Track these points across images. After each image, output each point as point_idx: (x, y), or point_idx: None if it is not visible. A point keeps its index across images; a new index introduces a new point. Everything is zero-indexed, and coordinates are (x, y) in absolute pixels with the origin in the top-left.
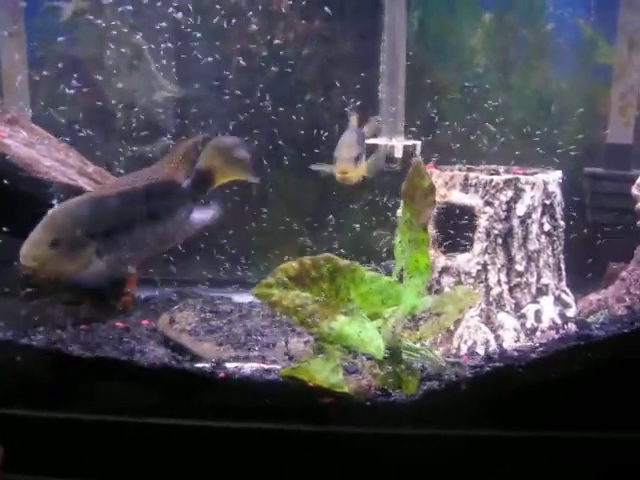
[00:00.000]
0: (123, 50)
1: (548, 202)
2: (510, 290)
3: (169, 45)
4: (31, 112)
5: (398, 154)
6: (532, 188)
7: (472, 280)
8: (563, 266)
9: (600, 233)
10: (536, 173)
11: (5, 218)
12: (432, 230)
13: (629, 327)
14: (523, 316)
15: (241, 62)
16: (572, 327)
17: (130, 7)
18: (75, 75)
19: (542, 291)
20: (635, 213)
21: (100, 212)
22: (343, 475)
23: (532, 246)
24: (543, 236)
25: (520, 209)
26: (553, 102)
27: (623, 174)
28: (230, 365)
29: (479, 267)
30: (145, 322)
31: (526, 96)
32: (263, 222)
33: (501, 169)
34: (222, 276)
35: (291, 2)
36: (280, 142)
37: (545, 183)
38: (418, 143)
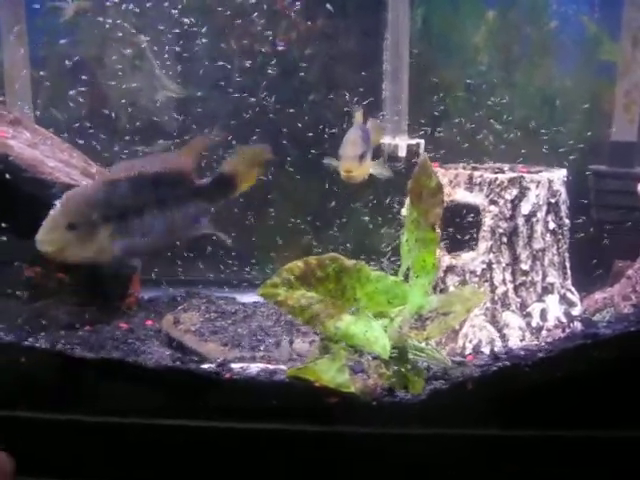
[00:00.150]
0: (125, 50)
1: (553, 200)
2: (515, 289)
3: (171, 45)
4: (36, 113)
5: (402, 153)
6: (537, 186)
7: (477, 279)
8: (568, 264)
9: (605, 231)
10: (541, 171)
11: (8, 219)
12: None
13: (635, 325)
14: (528, 315)
15: (244, 62)
16: (578, 326)
17: (131, 6)
18: (77, 75)
19: (547, 290)
20: None
21: (115, 195)
22: (349, 475)
23: (537, 245)
24: (548, 234)
25: (525, 207)
26: (557, 100)
27: (628, 172)
28: (235, 365)
29: (484, 266)
30: (149, 323)
31: (530, 94)
32: (269, 221)
33: (506, 167)
34: (225, 277)
35: (294, 0)
36: (284, 142)
37: (550, 181)
38: (422, 142)
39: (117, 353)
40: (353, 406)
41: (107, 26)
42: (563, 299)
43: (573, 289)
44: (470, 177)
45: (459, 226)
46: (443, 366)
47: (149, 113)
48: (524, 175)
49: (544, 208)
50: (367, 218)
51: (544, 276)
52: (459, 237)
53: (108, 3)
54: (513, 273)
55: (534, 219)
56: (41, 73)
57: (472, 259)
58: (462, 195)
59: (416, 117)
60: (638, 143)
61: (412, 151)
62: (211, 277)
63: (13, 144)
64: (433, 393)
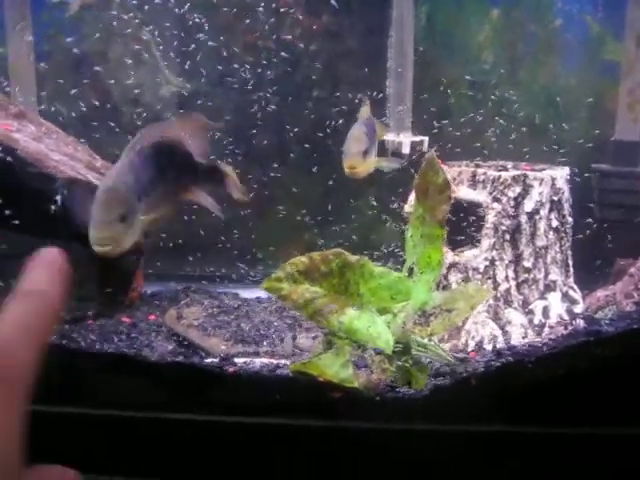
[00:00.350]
0: (130, 44)
1: (556, 198)
2: (518, 286)
3: (176, 40)
4: (41, 106)
5: (406, 150)
6: (540, 184)
7: (480, 276)
8: (571, 262)
9: (608, 229)
10: (544, 169)
11: (12, 213)
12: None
13: (638, 323)
14: (531, 312)
15: (248, 57)
16: (580, 323)
17: (135, 1)
18: (82, 69)
19: (550, 287)
20: None
21: (142, 173)
22: (353, 469)
23: (540, 242)
24: (551, 232)
25: (528, 205)
26: (561, 98)
27: (631, 171)
28: (239, 360)
29: (487, 263)
30: (152, 317)
31: (534, 92)
32: (272, 217)
33: (509, 165)
34: (228, 272)
35: None
36: (287, 137)
37: (553, 179)
38: (426, 139)
39: (120, 347)
40: (356, 401)
41: (113, 21)
42: (565, 297)
43: (575, 287)
44: (473, 174)
45: (462, 223)
46: (446, 362)
47: (153, 107)
48: (527, 173)
49: (547, 206)
50: (370, 213)
51: (546, 274)
52: (462, 234)
53: None
54: (516, 270)
55: (537, 217)
56: (46, 67)
57: (475, 256)
58: (465, 192)
59: (420, 114)
60: None
61: (416, 148)
62: (216, 272)
63: (18, 137)
64: (436, 389)
